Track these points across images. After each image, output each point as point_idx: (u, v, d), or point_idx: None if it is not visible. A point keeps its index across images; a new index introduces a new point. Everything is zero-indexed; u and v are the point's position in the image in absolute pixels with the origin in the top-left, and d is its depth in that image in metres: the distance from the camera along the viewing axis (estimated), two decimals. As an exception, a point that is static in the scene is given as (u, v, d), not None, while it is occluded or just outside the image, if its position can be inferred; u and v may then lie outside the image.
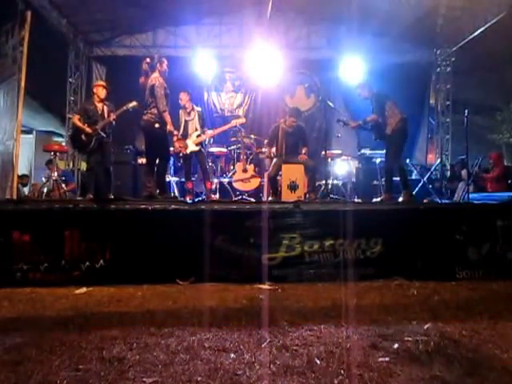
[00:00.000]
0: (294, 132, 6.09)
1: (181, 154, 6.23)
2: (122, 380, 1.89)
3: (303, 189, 5.83)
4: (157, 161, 5.41)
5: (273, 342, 2.33)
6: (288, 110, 6.76)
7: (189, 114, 6.26)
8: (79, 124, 5.73)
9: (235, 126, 7.08)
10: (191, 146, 6.13)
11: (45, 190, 7.27)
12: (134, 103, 5.66)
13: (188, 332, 2.49)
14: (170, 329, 2.54)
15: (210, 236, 3.80)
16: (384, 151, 5.91)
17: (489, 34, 7.63)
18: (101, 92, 5.83)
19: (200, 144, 6.21)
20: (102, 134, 5.71)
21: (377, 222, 4.03)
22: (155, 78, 5.13)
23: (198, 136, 6.19)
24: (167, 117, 5.11)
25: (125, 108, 5.68)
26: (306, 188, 5.89)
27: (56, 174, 7.02)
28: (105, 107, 5.82)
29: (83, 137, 5.70)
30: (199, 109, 6.51)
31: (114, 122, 5.79)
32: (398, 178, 5.64)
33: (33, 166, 10.92)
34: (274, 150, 6.25)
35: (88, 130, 5.66)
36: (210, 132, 6.55)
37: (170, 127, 5.17)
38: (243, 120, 7.05)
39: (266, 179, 6.53)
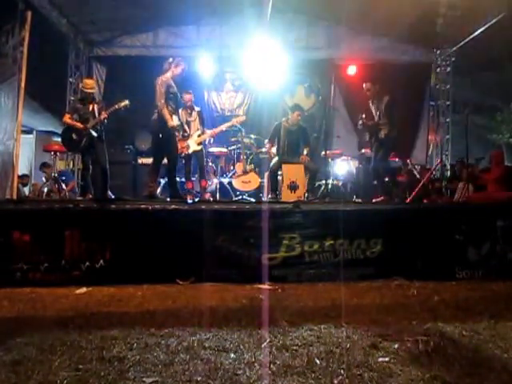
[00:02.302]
0: (296, 131, 6.07)
1: (182, 155, 6.20)
2: (122, 380, 1.89)
3: (303, 189, 5.83)
4: (163, 162, 5.39)
5: (273, 341, 2.33)
6: (290, 107, 6.74)
7: (190, 114, 6.27)
8: (69, 121, 5.70)
9: (235, 126, 7.07)
10: (193, 146, 6.13)
11: (45, 189, 7.28)
12: (125, 102, 5.64)
13: (188, 332, 2.49)
14: (170, 329, 2.54)
15: (210, 236, 3.80)
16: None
17: (489, 34, 7.62)
18: (87, 92, 5.84)
19: (201, 143, 6.20)
20: (93, 132, 5.65)
21: (377, 222, 4.04)
22: (160, 78, 5.13)
23: (199, 136, 6.18)
24: (166, 114, 5.05)
25: (116, 107, 5.64)
26: (305, 188, 5.89)
27: (53, 174, 7.05)
28: (95, 106, 5.78)
29: (74, 135, 5.67)
30: (198, 108, 6.52)
31: (105, 121, 5.74)
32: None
33: (33, 166, 10.90)
34: (274, 149, 6.24)
35: (78, 125, 5.63)
36: (210, 131, 6.54)
37: (170, 123, 5.08)
38: (243, 118, 7.03)
39: (266, 177, 6.53)
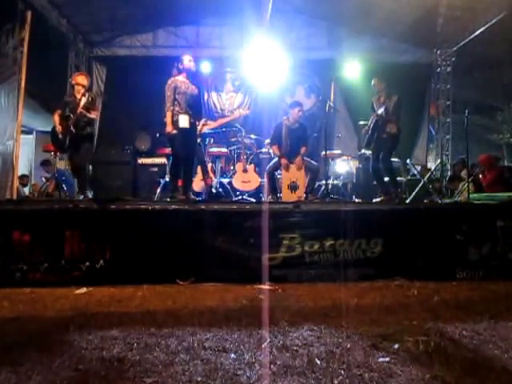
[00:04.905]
0: (297, 129, 6.01)
1: None
2: (122, 380, 1.89)
3: (303, 189, 5.82)
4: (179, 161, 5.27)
5: (273, 342, 2.33)
6: (289, 104, 6.69)
7: None
8: (55, 121, 5.44)
9: (235, 126, 7.06)
10: None
11: (44, 189, 7.27)
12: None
13: (188, 332, 2.49)
14: (169, 329, 2.54)
15: (210, 236, 3.80)
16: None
17: (489, 34, 7.62)
18: (80, 82, 5.50)
19: (200, 136, 5.91)
20: (72, 128, 5.33)
21: (377, 222, 4.03)
22: (167, 81, 5.11)
23: (202, 125, 5.95)
24: (168, 118, 5.03)
25: (90, 99, 5.40)
26: (305, 189, 5.87)
27: (54, 173, 7.04)
28: (83, 98, 5.39)
29: (60, 134, 5.41)
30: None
31: (93, 117, 5.52)
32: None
33: (33, 166, 10.91)
34: (276, 149, 6.15)
35: (59, 127, 5.36)
36: (213, 122, 6.34)
37: (167, 128, 5.05)
38: (247, 111, 6.89)
39: (265, 178, 6.51)
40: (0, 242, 3.71)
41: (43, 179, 8.07)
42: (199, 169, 6.51)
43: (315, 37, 9.20)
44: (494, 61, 9.28)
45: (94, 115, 5.54)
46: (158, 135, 5.16)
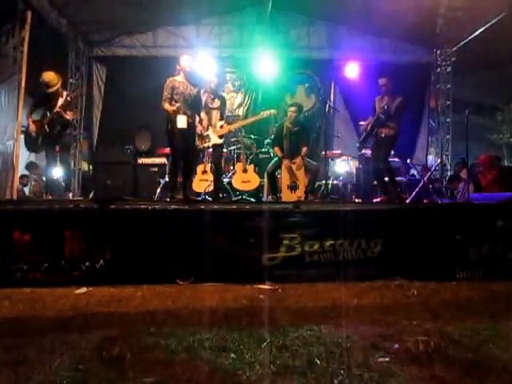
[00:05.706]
0: (298, 131, 6.00)
1: (200, 147, 5.67)
2: (122, 380, 1.89)
3: (303, 189, 5.82)
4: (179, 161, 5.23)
5: (273, 342, 2.33)
6: (288, 104, 6.67)
7: (213, 100, 5.73)
8: (28, 122, 5.30)
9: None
10: (214, 139, 5.59)
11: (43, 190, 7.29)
12: (77, 92, 5.72)
13: (188, 332, 2.48)
14: (169, 329, 2.54)
15: (210, 236, 3.80)
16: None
17: (489, 34, 7.62)
18: (49, 93, 5.26)
19: (223, 136, 5.71)
20: (47, 129, 5.23)
21: (377, 222, 4.03)
22: (166, 81, 5.09)
23: (222, 126, 5.69)
24: (168, 108, 4.89)
25: (69, 99, 5.32)
26: (305, 189, 5.86)
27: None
28: (60, 99, 5.28)
29: (33, 134, 5.27)
30: (224, 95, 6.16)
31: (69, 118, 5.38)
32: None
33: (33, 166, 10.91)
34: (278, 150, 6.05)
35: (32, 126, 5.23)
36: (236, 123, 6.23)
37: (170, 108, 4.85)
38: (274, 111, 6.82)
39: (265, 178, 6.51)
40: (0, 241, 3.71)
41: (34, 181, 8.05)
42: (199, 168, 6.50)
43: (315, 36, 9.19)
44: (494, 61, 9.26)
45: (69, 116, 5.42)
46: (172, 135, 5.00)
